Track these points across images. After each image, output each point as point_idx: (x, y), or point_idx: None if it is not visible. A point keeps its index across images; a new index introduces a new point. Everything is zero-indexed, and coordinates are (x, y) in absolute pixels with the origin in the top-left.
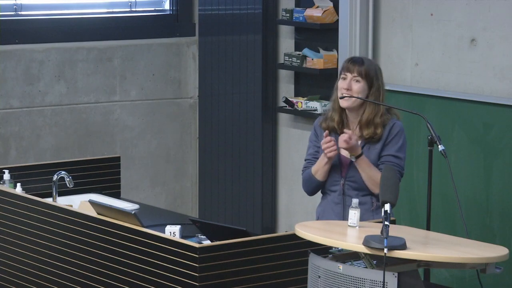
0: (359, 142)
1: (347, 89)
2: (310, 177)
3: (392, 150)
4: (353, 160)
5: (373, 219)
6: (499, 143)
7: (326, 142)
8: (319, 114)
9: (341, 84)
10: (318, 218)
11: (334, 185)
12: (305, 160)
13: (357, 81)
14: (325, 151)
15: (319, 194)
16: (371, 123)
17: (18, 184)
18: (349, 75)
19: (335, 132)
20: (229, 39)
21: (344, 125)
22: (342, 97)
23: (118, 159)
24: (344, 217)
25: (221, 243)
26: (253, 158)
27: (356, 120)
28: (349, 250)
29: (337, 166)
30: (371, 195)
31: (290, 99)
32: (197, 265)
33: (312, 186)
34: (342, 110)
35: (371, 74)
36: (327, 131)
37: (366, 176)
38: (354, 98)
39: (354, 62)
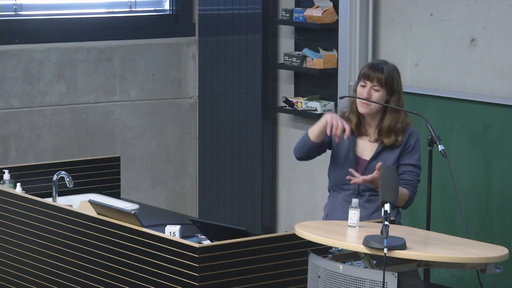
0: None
1: (367, 98)
2: (304, 135)
3: (412, 159)
4: None
5: None
6: (499, 143)
7: (342, 125)
8: (319, 114)
9: (360, 91)
10: (326, 216)
11: (347, 184)
12: None
13: (377, 90)
14: (334, 124)
15: (326, 194)
16: (392, 131)
17: (18, 184)
18: (368, 84)
19: (351, 133)
20: (229, 39)
21: (361, 128)
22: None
23: (118, 159)
24: None
25: (221, 243)
26: (253, 158)
27: (373, 123)
28: (349, 250)
29: (353, 165)
30: None
31: (290, 99)
32: (197, 265)
33: (305, 148)
34: (360, 113)
35: (391, 82)
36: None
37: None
38: (373, 105)
39: (375, 69)
